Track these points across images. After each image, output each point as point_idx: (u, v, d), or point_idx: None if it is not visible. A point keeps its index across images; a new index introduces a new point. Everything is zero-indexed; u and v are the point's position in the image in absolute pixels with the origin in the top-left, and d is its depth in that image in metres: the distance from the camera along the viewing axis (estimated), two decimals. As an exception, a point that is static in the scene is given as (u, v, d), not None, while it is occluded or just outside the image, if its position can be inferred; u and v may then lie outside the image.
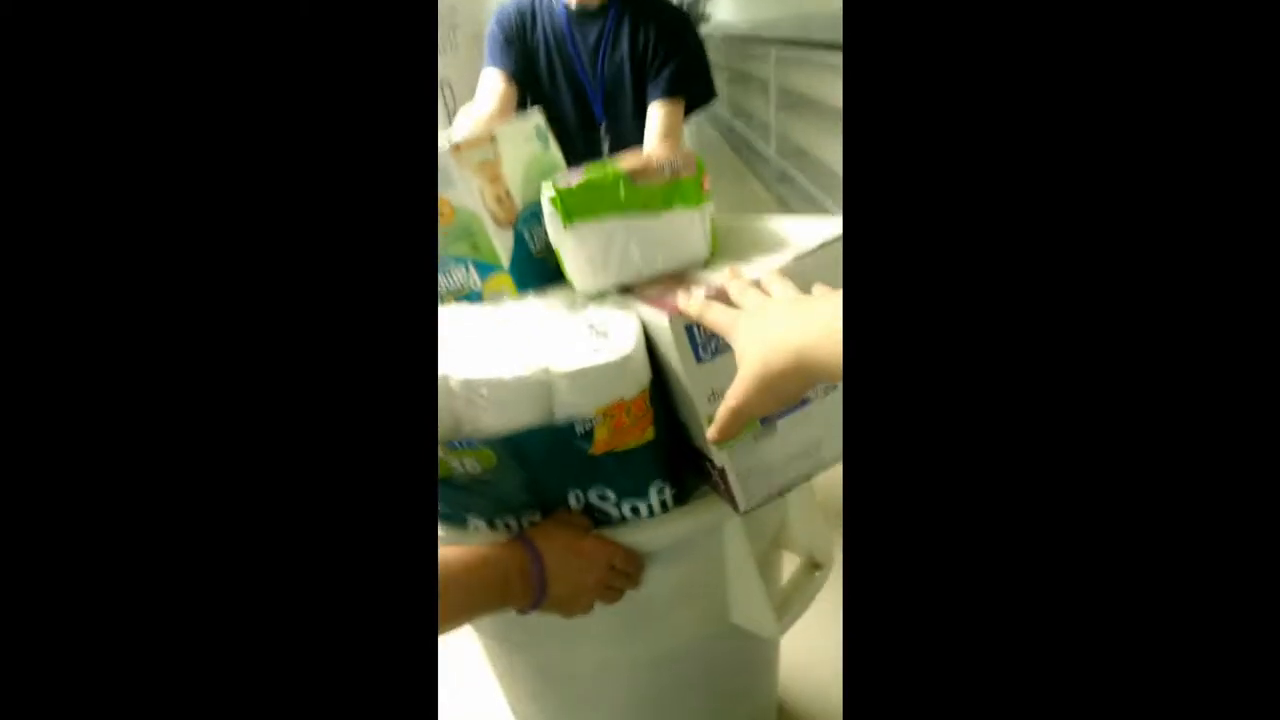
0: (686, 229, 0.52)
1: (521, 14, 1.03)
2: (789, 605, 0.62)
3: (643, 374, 0.49)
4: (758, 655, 0.77)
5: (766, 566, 0.63)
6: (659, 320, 0.46)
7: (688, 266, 0.54)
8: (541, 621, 0.58)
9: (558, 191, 0.53)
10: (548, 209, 0.55)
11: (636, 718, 0.69)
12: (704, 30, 5.78)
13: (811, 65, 2.67)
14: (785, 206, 3.15)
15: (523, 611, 0.49)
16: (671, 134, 0.97)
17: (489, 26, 1.08)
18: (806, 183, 2.99)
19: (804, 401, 0.49)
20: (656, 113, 0.96)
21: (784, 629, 0.61)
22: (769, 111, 3.47)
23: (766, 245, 0.53)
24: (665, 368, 0.50)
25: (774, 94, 3.35)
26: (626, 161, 0.53)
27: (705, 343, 0.45)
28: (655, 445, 0.51)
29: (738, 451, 0.49)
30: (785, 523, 0.67)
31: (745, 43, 4.17)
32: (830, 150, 2.63)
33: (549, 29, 1.01)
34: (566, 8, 1.00)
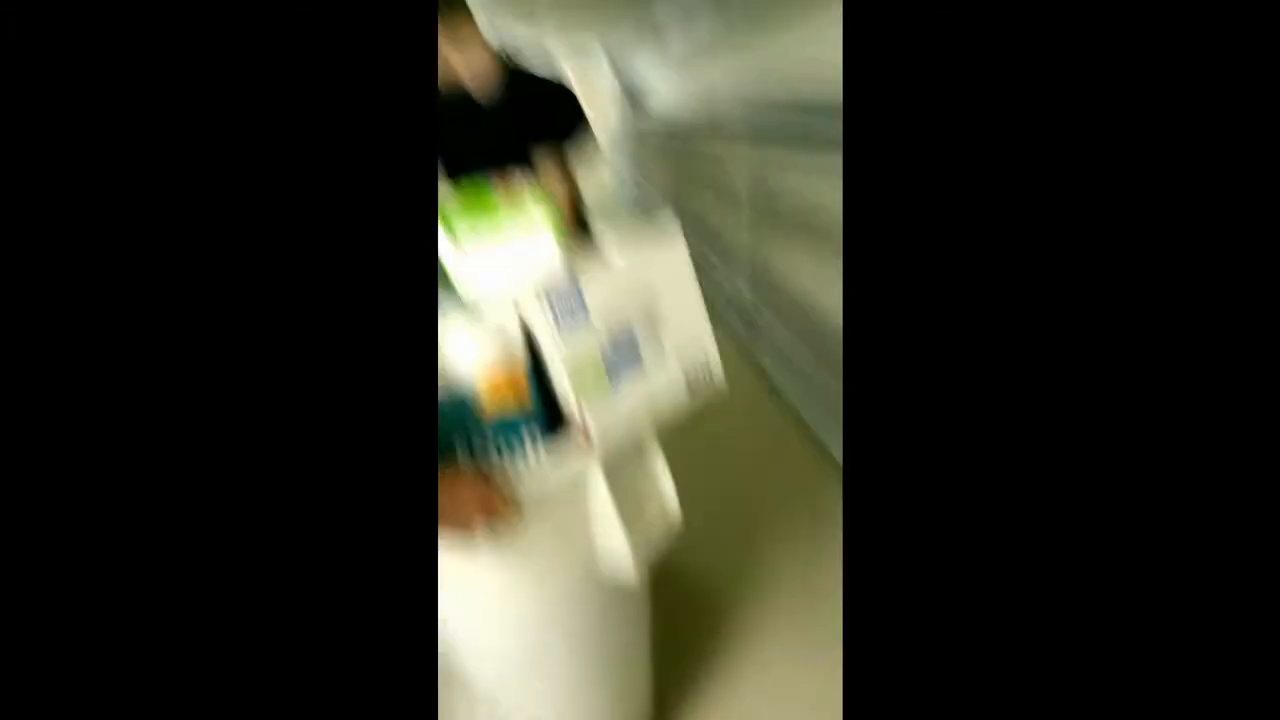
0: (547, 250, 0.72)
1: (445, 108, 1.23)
2: (643, 549, 0.78)
3: (519, 354, 0.66)
4: (628, 625, 0.91)
5: (629, 523, 0.78)
6: (529, 300, 0.64)
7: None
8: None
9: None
10: (442, 238, 0.73)
11: (530, 673, 0.80)
12: (642, 126, 4.79)
13: (798, 169, 1.83)
14: (753, 361, 2.45)
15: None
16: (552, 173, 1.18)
17: None
18: (784, 330, 2.09)
19: (638, 360, 0.68)
20: (540, 162, 1.18)
21: (640, 569, 0.76)
22: (737, 225, 2.54)
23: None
24: (539, 344, 0.67)
25: (746, 205, 2.39)
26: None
27: (563, 316, 0.63)
28: (532, 412, 0.68)
29: (592, 406, 0.66)
30: (644, 483, 0.83)
31: (695, 136, 3.20)
32: (813, 279, 1.81)
33: (466, 117, 1.21)
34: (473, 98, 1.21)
